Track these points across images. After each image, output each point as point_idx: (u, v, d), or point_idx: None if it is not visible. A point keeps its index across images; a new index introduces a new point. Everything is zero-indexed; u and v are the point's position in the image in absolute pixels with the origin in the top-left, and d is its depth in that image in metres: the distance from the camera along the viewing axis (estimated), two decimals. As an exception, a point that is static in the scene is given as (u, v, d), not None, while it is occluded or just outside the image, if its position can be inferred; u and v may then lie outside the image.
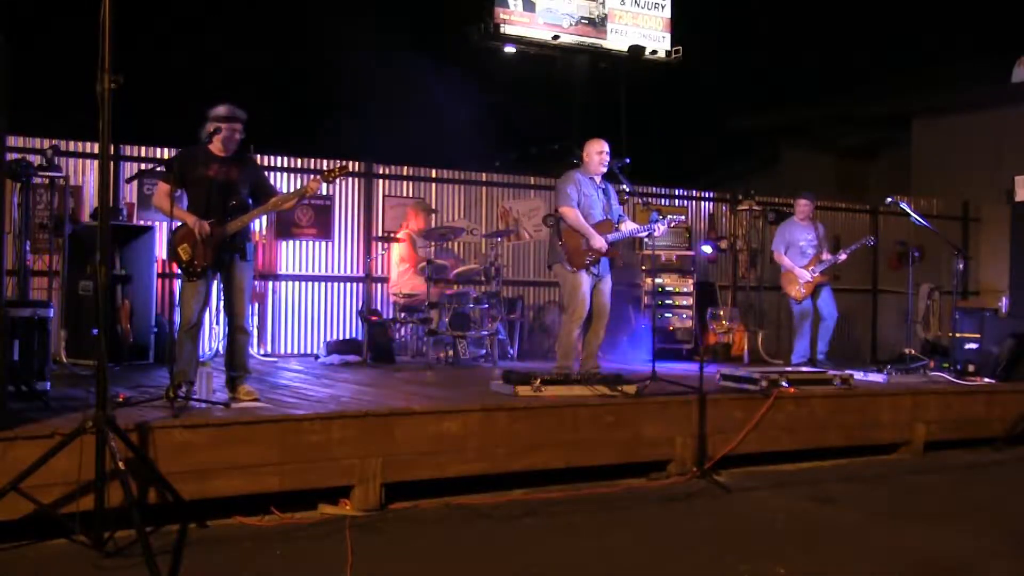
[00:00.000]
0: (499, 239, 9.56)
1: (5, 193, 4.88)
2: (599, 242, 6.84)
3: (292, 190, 9.18)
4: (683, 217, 6.99)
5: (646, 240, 7.83)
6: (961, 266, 9.13)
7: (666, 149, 16.22)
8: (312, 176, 6.08)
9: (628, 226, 7.13)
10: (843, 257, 9.20)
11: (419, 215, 9.28)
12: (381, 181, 10.10)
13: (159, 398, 5.13)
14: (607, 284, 6.98)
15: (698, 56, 14.64)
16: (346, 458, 4.92)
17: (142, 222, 8.51)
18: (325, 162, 9.77)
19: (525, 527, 4.84)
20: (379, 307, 9.70)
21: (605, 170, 7.06)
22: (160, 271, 8.41)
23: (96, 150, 5.01)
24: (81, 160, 8.54)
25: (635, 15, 14.36)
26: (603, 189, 7.08)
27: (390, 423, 5.10)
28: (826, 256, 9.15)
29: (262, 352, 9.07)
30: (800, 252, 9.17)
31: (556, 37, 13.55)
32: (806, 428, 6.57)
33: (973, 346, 8.28)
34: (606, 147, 7.00)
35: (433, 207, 9.95)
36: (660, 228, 7.01)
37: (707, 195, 12.05)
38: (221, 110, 5.52)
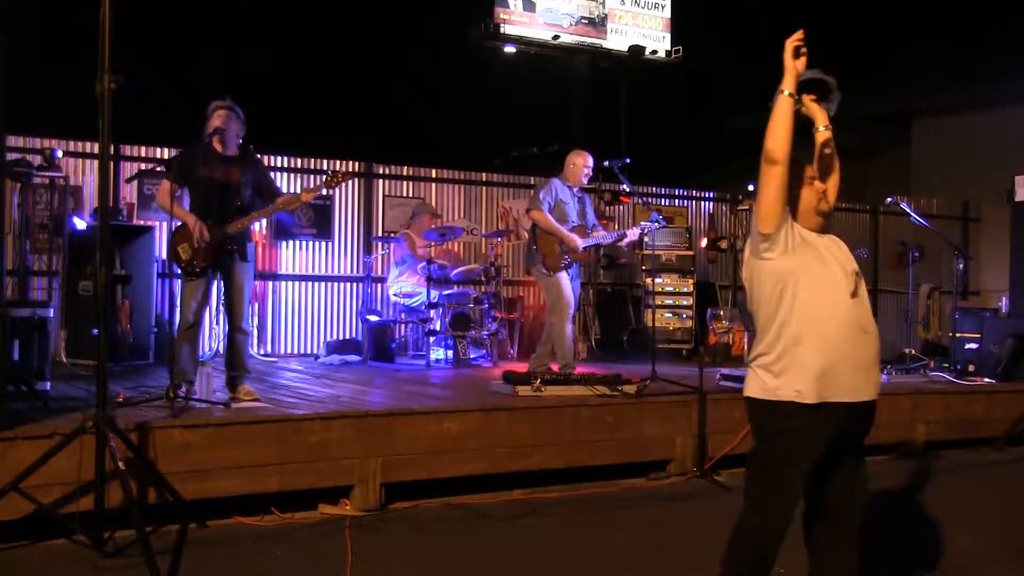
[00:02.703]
0: (499, 239, 9.55)
1: (5, 193, 4.88)
2: (573, 241, 7.05)
3: (292, 191, 9.23)
4: (657, 226, 7.11)
5: (646, 240, 7.85)
6: (961, 266, 9.12)
7: (666, 149, 16.20)
8: (313, 185, 6.06)
9: (600, 233, 7.37)
10: None
11: (432, 219, 9.35)
12: (381, 181, 10.10)
13: (159, 398, 5.13)
14: (576, 284, 7.25)
15: (698, 56, 14.60)
16: (346, 458, 4.92)
17: (142, 222, 8.51)
18: (325, 162, 9.79)
19: (525, 527, 4.84)
20: (379, 307, 9.71)
21: (585, 183, 7.30)
22: (160, 271, 8.41)
23: (96, 150, 5.00)
24: (81, 160, 8.54)
25: (635, 15, 14.33)
26: (579, 198, 7.32)
27: (390, 423, 5.11)
28: None
29: (262, 352, 9.07)
30: None
31: (556, 37, 13.52)
32: (806, 428, 6.56)
33: (973, 346, 8.27)
34: (591, 162, 7.22)
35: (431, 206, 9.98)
36: (632, 233, 7.28)
37: (707, 195, 12.07)
38: (219, 104, 5.52)
